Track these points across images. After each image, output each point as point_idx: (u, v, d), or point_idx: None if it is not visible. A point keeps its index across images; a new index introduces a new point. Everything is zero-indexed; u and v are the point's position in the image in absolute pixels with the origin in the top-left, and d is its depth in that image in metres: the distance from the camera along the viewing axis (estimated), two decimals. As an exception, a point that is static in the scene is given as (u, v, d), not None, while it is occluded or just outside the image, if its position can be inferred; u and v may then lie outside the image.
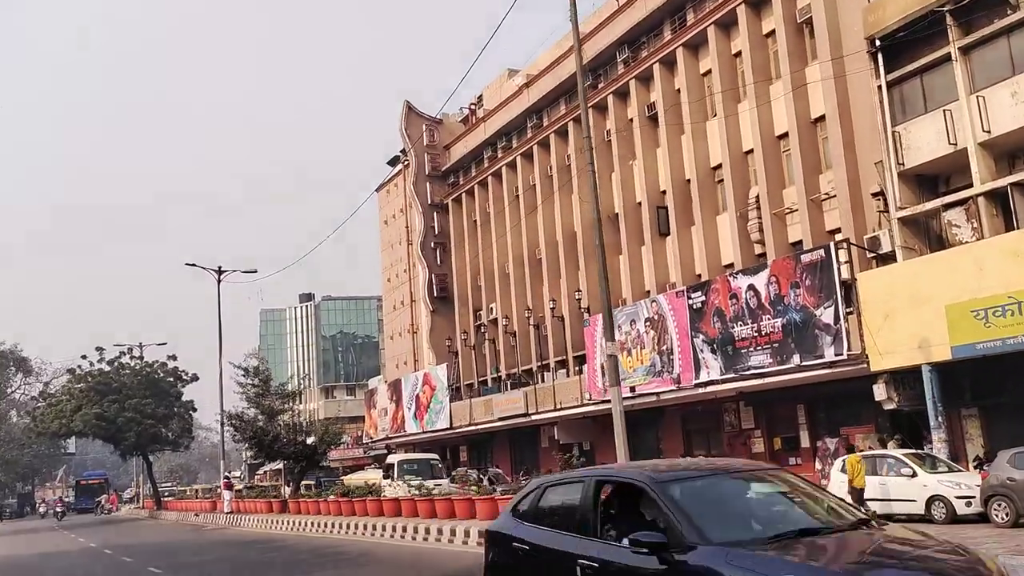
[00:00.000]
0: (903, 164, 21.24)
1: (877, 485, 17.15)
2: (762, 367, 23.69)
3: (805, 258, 22.54)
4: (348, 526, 21.96)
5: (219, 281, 37.94)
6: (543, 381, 36.29)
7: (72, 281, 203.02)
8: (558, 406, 33.03)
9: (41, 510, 49.28)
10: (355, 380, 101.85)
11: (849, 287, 21.44)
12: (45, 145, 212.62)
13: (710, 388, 25.79)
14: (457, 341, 44.83)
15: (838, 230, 25.02)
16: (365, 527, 20.80)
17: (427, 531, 17.60)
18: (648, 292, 32.48)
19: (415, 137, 49.02)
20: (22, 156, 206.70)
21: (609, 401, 30.63)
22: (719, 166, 29.68)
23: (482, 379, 43.98)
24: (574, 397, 32.27)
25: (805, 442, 25.77)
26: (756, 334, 23.86)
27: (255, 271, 38.36)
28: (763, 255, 27.57)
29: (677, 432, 30.87)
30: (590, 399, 30.57)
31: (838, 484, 17.26)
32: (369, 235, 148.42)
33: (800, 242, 26.18)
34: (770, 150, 27.53)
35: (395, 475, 24.69)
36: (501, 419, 36.80)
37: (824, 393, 24.37)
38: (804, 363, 22.03)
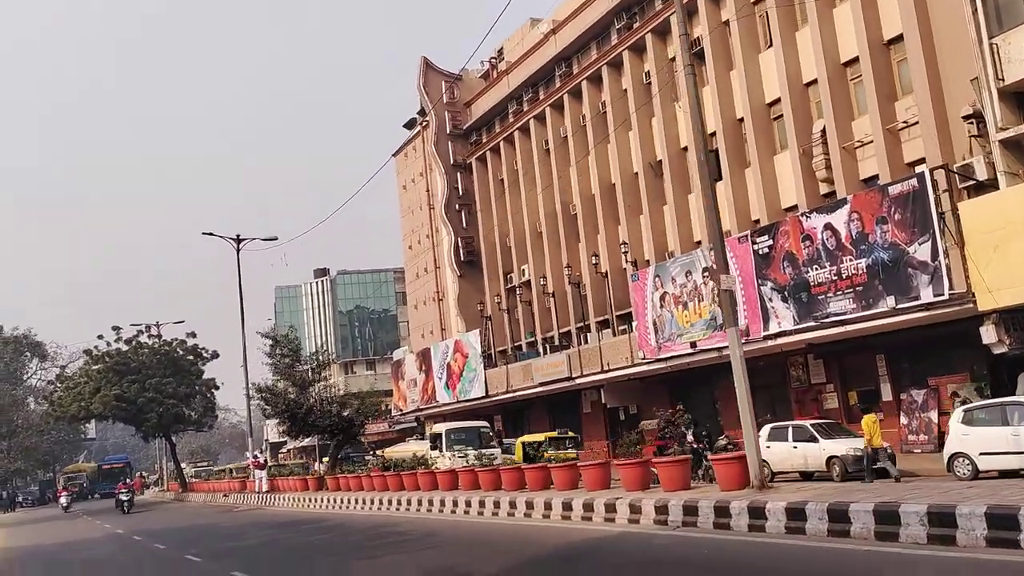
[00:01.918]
0: (1003, 80, 18.84)
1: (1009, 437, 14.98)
2: (844, 313, 21.50)
3: (894, 190, 20.24)
4: (398, 502, 20.04)
5: (238, 250, 35.92)
6: (585, 343, 34.19)
7: (82, 261, 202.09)
8: (605, 368, 30.97)
9: (63, 501, 43.78)
10: (374, 355, 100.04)
11: (948, 219, 19.18)
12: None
13: (782, 340, 23.63)
14: (488, 306, 42.75)
15: (921, 160, 22.66)
16: (419, 503, 18.85)
17: (496, 505, 15.61)
18: (699, 243, 30.25)
19: (435, 95, 46.63)
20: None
21: (661, 360, 28.91)
22: (776, 101, 27.29)
23: (516, 344, 41.98)
24: (623, 357, 30.20)
25: (887, 395, 23.64)
26: (835, 278, 21.65)
27: (275, 238, 36.36)
28: (830, 194, 25.27)
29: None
30: (643, 358, 28.47)
31: (959, 438, 15.15)
32: (383, 207, 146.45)
33: (875, 177, 23.86)
34: (836, 79, 25.10)
35: (443, 446, 22.73)
36: (541, 384, 34.79)
37: (909, 340, 22.20)
38: (899, 306, 19.76)
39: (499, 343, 42.75)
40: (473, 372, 40.00)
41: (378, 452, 44.56)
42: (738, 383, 11.71)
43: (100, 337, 47.85)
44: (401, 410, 46.20)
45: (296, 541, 16.03)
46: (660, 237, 32.48)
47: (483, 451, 20.46)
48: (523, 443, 20.19)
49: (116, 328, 47.88)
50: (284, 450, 69.75)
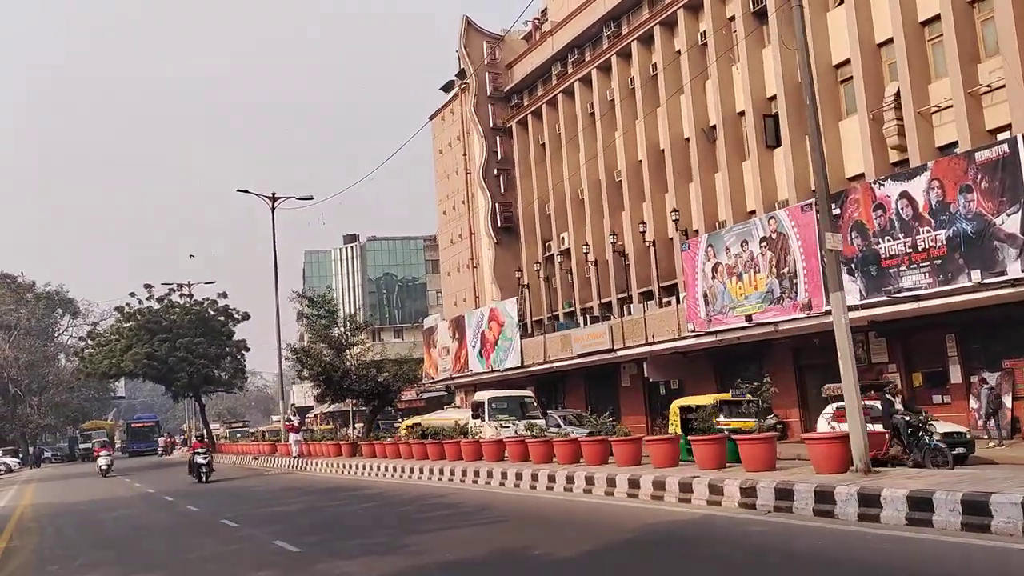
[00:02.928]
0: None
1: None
2: (918, 288, 20.15)
3: (981, 156, 18.79)
4: (440, 472, 19.12)
5: (273, 208, 35.06)
6: (628, 314, 33.00)
7: (115, 219, 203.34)
8: (650, 340, 29.80)
9: (101, 462, 34.74)
10: (401, 323, 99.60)
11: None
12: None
13: (851, 315, 22.22)
14: (526, 274, 41.64)
15: (1005, 127, 21.18)
16: (464, 473, 17.91)
17: (551, 479, 14.59)
18: (752, 212, 28.88)
19: (475, 56, 45.26)
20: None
21: (711, 334, 27.69)
22: (844, 63, 25.73)
23: (552, 314, 40.91)
24: (670, 330, 29.01)
25: (956, 377, 22.31)
26: (910, 250, 20.29)
27: (311, 197, 35.38)
28: (902, 162, 23.80)
29: (788, 368, 27.46)
30: (692, 330, 27.26)
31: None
32: (414, 175, 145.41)
33: (953, 144, 22.37)
34: (913, 39, 23.51)
35: (486, 414, 21.80)
36: (580, 356, 33.71)
37: (983, 318, 20.85)
38: (984, 281, 18.38)
39: (535, 312, 41.71)
40: (509, 341, 39.00)
41: (407, 420, 43.98)
42: (842, 355, 10.52)
43: (132, 295, 47.57)
44: (432, 378, 45.36)
45: (338, 509, 15.17)
46: (711, 206, 31.13)
47: (532, 420, 19.51)
48: (681, 407, 16.03)
49: (148, 286, 47.54)
50: (311, 415, 69.47)
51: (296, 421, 34.20)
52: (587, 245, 36.57)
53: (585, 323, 36.91)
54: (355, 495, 17.83)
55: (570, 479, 14.08)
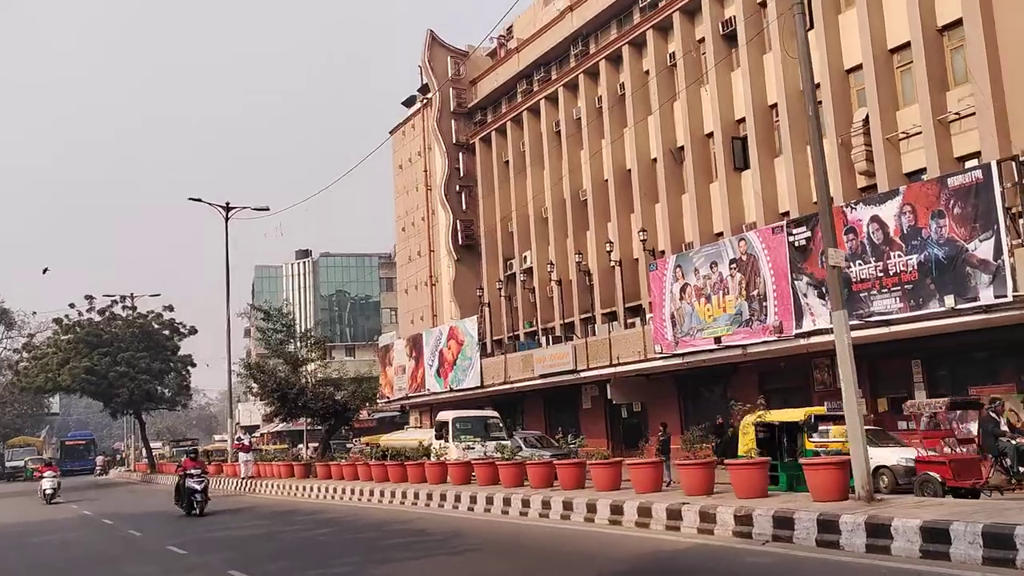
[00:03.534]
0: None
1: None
2: (889, 313, 20.02)
3: (954, 181, 18.77)
4: (402, 495, 18.23)
5: (227, 219, 33.80)
6: (593, 335, 32.53)
7: (54, 232, 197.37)
8: (615, 361, 29.33)
9: (46, 485, 27.96)
10: (353, 341, 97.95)
11: (1014, 216, 17.76)
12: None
13: (810, 340, 22.08)
14: (487, 292, 40.96)
15: (973, 154, 21.29)
16: (429, 497, 17.05)
17: (525, 504, 13.87)
18: (720, 234, 28.71)
19: (439, 70, 44.74)
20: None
21: (678, 356, 27.33)
22: (815, 86, 25.69)
23: (512, 334, 40.26)
24: (635, 351, 28.57)
25: (922, 403, 22.17)
26: (881, 274, 20.20)
27: (267, 208, 34.26)
28: (870, 187, 23.83)
29: (752, 392, 27.05)
30: (660, 352, 26.85)
31: None
32: (369, 192, 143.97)
33: (921, 170, 22.47)
34: (882, 66, 23.65)
35: (450, 435, 20.99)
36: (543, 376, 33.10)
37: (950, 345, 20.82)
38: (958, 307, 18.28)
39: (496, 332, 41.03)
40: (468, 360, 38.24)
41: (363, 440, 42.71)
42: (844, 376, 10.05)
43: (72, 306, 45.58)
44: (388, 397, 44.28)
45: (296, 535, 14.19)
46: (677, 227, 30.93)
47: (501, 442, 18.78)
48: (757, 425, 14.17)
49: (89, 297, 45.61)
50: (257, 434, 67.49)
51: (247, 440, 32.82)
52: (551, 264, 36.09)
53: (547, 343, 36.35)
54: (313, 519, 16.84)
55: (546, 504, 13.39)
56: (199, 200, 33.63)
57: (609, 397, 31.06)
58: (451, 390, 39.19)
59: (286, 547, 12.63)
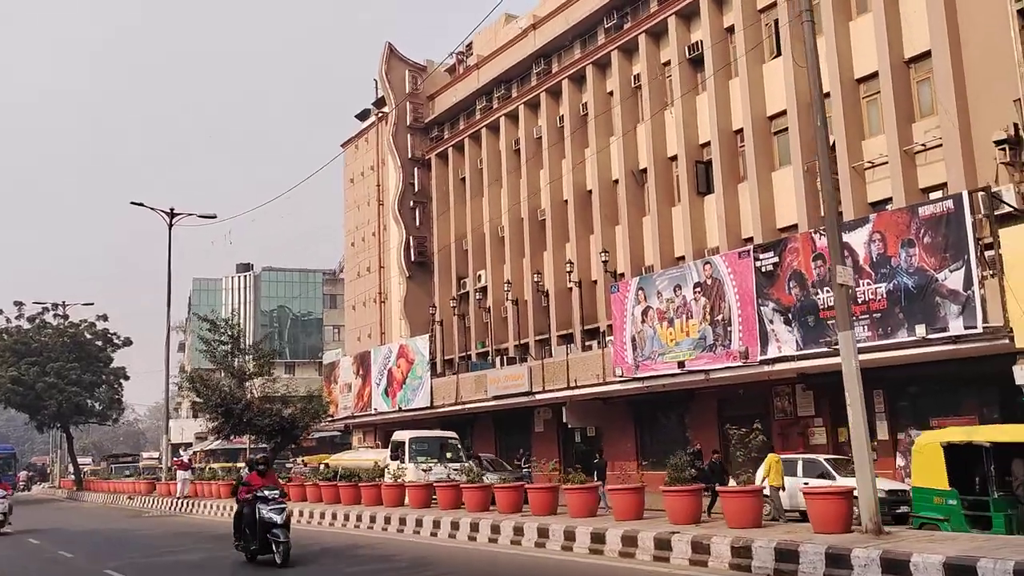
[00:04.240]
0: (1047, 104, 17.65)
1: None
2: (858, 341, 19.78)
3: (924, 211, 18.76)
4: (357, 518, 17.22)
5: (171, 225, 32.31)
6: (549, 356, 31.91)
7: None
8: (572, 384, 28.74)
9: None
10: (292, 358, 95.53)
11: (984, 247, 17.78)
12: None
13: (771, 368, 21.83)
14: (439, 310, 40.09)
15: (939, 186, 21.44)
16: (386, 520, 16.10)
17: (495, 530, 13.08)
18: (681, 258, 28.50)
19: (397, 84, 43.99)
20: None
21: (638, 380, 26.87)
22: (780, 114, 25.84)
23: (464, 354, 39.41)
24: (593, 374, 28.02)
25: (883, 434, 22.07)
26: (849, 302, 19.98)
27: (214, 216, 32.88)
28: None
29: (710, 419, 26.89)
30: (620, 376, 26.33)
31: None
32: (315, 208, 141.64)
33: (887, 200, 22.55)
34: (849, 95, 23.79)
35: (407, 456, 20.05)
36: (496, 398, 32.30)
37: (914, 376, 20.79)
38: (929, 336, 18.19)
39: (447, 351, 40.13)
40: (418, 380, 37.22)
41: (302, 459, 41.15)
42: (852, 400, 9.60)
43: (-1, 312, 43.09)
44: (331, 416, 42.85)
45: (244, 561, 13.11)
46: (637, 250, 30.64)
47: (460, 464, 17.95)
48: (948, 447, 11.14)
49: (18, 303, 43.27)
50: (190, 452, 64.87)
51: (186, 458, 31.19)
52: (508, 283, 35.43)
53: (500, 364, 35.60)
54: (261, 543, 15.67)
55: (518, 530, 12.63)
56: (141, 204, 32.16)
57: (564, 421, 30.41)
58: (400, 410, 38.08)
59: (238, 574, 11.58)
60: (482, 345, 38.58)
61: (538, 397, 30.40)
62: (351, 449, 39.17)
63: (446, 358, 40.02)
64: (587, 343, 31.62)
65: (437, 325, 39.83)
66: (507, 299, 35.70)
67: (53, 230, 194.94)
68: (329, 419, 44.97)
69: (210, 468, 32.21)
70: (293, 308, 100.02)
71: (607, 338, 29.14)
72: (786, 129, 25.50)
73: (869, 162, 23.25)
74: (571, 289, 32.93)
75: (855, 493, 12.13)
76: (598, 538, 11.17)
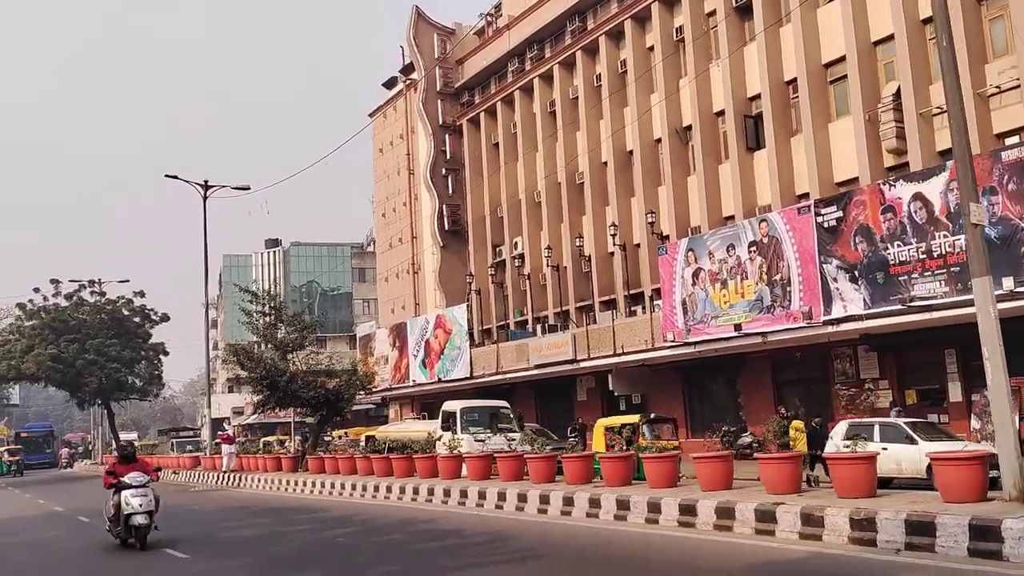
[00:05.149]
0: None
1: None
2: (933, 297, 18.78)
3: (1008, 156, 17.61)
4: (414, 491, 16.57)
5: (205, 197, 31.76)
6: (594, 322, 31.05)
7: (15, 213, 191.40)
8: (618, 351, 27.87)
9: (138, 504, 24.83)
10: (323, 333, 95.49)
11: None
12: None
13: (847, 327, 20.78)
14: (478, 280, 39.27)
15: (1016, 130, 20.16)
16: (447, 493, 15.43)
17: (567, 501, 12.30)
18: (730, 218, 27.41)
19: (425, 49, 42.85)
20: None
21: (688, 345, 25.96)
22: (837, 61, 24.50)
23: (501, 323, 38.65)
24: (641, 340, 27.15)
25: (955, 395, 21.06)
26: (924, 256, 18.94)
27: (247, 187, 32.27)
28: (900, 166, 22.60)
29: (765, 384, 25.97)
30: (671, 340, 25.42)
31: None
32: (344, 180, 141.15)
33: (958, 148, 21.22)
34: (914, 37, 22.42)
35: (458, 426, 19.36)
36: (539, 367, 31.54)
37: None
38: (1016, 289, 17.09)
39: (485, 321, 39.40)
40: (457, 350, 36.55)
41: (340, 433, 40.75)
42: (991, 353, 8.69)
43: (36, 290, 42.95)
44: (375, 387, 42.37)
45: (308, 537, 12.48)
46: (683, 211, 29.54)
47: (523, 433, 17.21)
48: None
49: (55, 281, 43.02)
50: (233, 425, 65.05)
51: (231, 431, 30.85)
52: (549, 249, 34.45)
53: (539, 332, 34.81)
54: (317, 518, 15.12)
55: (594, 502, 11.86)
56: (176, 177, 31.56)
57: (610, 388, 29.57)
58: (439, 380, 37.49)
59: (304, 552, 10.96)
60: (519, 313, 37.78)
61: (583, 365, 29.59)
62: (388, 423, 38.67)
63: (484, 327, 39.31)
64: (631, 309, 30.71)
65: (474, 294, 39.02)
66: (547, 265, 34.77)
67: (73, 214, 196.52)
68: (371, 390, 44.61)
69: (263, 441, 31.80)
70: (322, 283, 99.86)
71: (655, 302, 28.21)
72: (844, 77, 24.19)
73: (938, 108, 21.90)
74: (612, 254, 31.97)
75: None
76: (687, 510, 10.35)
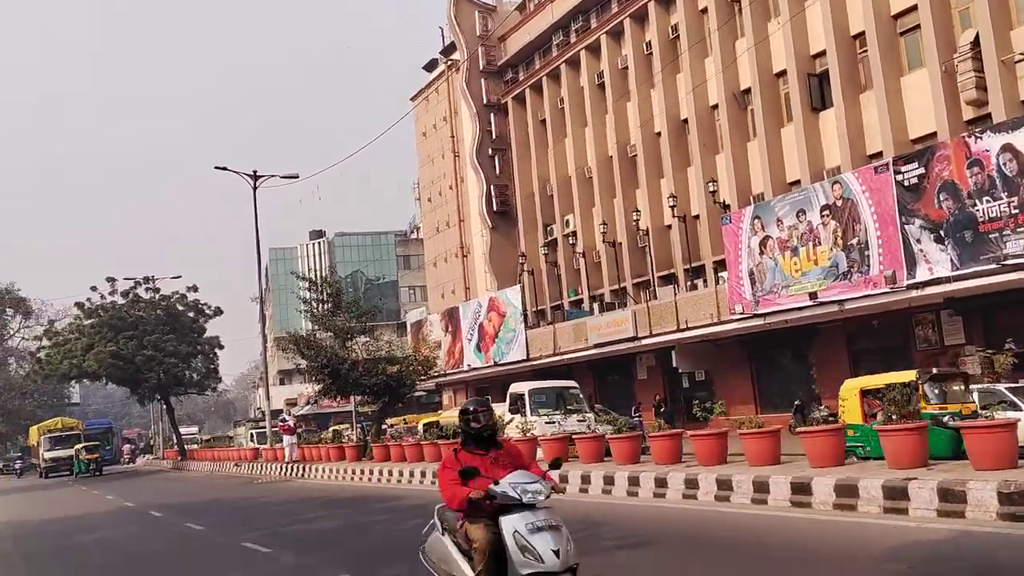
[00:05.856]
0: None
1: None
2: (1018, 257, 17.59)
3: (1111, 98, 16.29)
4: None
5: (255, 188, 31.57)
6: (654, 298, 30.17)
7: (68, 216, 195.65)
8: (682, 326, 27.00)
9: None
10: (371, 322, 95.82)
11: None
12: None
13: (933, 290, 19.65)
14: (530, 260, 38.59)
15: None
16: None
17: (660, 483, 11.62)
18: (795, 183, 26.31)
19: (467, 28, 42.12)
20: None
21: (759, 317, 24.97)
22: (908, 10, 23.20)
23: (555, 304, 37.95)
24: (707, 314, 26.23)
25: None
26: (1017, 211, 17.75)
27: (296, 176, 31.98)
28: (980, 119, 21.32)
29: (840, 355, 24.89)
30: (739, 313, 24.49)
31: None
32: (382, 171, 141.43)
33: (1044, 97, 19.94)
34: (991, -20, 21.01)
35: (527, 408, 18.77)
36: (598, 346, 30.81)
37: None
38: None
39: (539, 302, 38.74)
40: (512, 333, 35.99)
41: (405, 419, 40.50)
42: None
43: (93, 289, 43.41)
44: (439, 371, 41.99)
45: (391, 527, 11.99)
46: (744, 178, 28.49)
47: (600, 415, 16.54)
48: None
49: (111, 279, 43.45)
50: (289, 417, 65.41)
51: (291, 421, 30.75)
52: (604, 224, 33.59)
53: (595, 311, 34.05)
54: (392, 507, 14.66)
55: (691, 483, 11.10)
56: (225, 169, 31.40)
57: (674, 365, 28.75)
58: (495, 364, 37.00)
59: (390, 544, 10.43)
60: (574, 293, 37.04)
61: (644, 342, 28.81)
62: (442, 408, 38.25)
63: (537, 308, 38.67)
64: (692, 282, 29.77)
65: (526, 275, 38.37)
66: (602, 241, 33.94)
67: (123, 211, 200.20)
68: (432, 375, 44.25)
69: (333, 430, 31.57)
70: (368, 272, 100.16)
71: (718, 275, 27.25)
72: (916, 27, 22.89)
73: (1021, 54, 20.59)
74: (669, 227, 31.04)
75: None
76: (801, 488, 9.54)
